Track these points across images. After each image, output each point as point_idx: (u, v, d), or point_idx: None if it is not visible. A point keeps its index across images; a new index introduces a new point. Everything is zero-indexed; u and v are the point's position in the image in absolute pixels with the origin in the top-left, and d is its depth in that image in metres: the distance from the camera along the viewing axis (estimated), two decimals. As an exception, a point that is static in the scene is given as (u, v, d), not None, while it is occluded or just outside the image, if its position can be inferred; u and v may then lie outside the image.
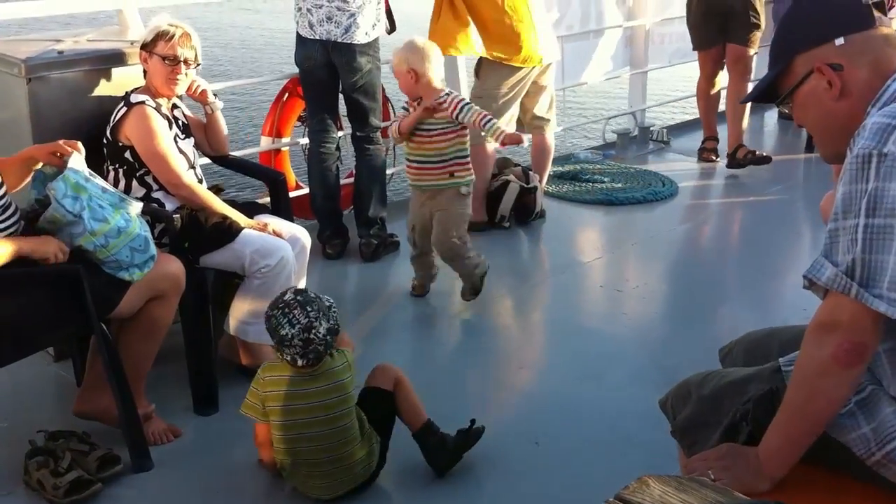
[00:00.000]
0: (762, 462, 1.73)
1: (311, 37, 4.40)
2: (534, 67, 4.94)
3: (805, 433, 1.71)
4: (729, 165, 6.14)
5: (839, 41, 1.76)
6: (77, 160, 2.89)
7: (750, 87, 6.02)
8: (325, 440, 2.70)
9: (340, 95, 4.64)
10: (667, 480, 1.42)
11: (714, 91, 6.26)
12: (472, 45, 4.90)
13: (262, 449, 2.84)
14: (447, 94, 3.92)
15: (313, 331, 2.64)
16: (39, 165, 2.95)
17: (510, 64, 4.89)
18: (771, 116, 7.74)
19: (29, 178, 2.98)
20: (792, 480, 1.72)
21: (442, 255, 4.03)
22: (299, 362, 2.67)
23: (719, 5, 5.89)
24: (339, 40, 4.36)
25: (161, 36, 3.33)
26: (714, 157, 6.36)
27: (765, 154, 6.07)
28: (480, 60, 5.04)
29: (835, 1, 1.82)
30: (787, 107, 1.88)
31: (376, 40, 4.50)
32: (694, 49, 6.23)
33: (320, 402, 2.70)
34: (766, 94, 1.92)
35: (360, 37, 4.38)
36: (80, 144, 2.91)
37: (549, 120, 5.26)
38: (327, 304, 2.72)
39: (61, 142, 2.88)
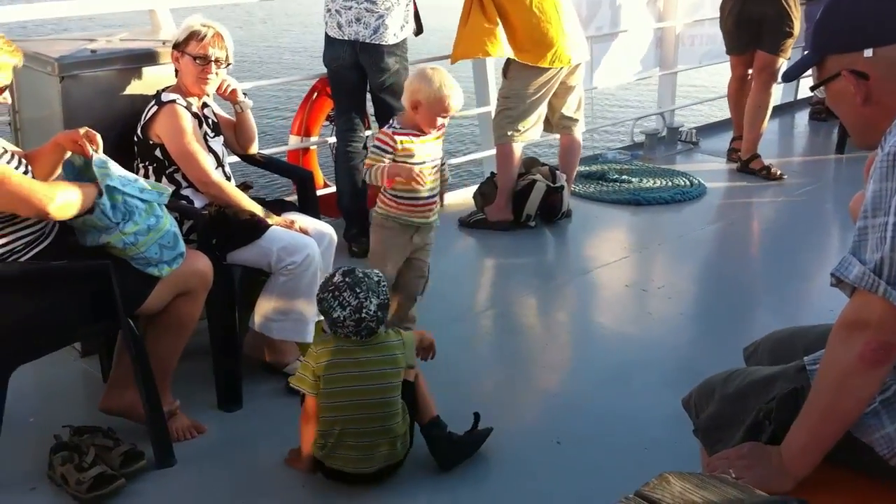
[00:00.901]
0: (785, 461, 1.71)
1: (340, 37, 4.42)
2: (562, 68, 4.93)
3: (829, 433, 1.69)
4: (740, 170, 6.13)
5: (867, 52, 1.75)
6: (98, 156, 2.90)
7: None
8: (375, 409, 2.76)
9: (368, 95, 4.66)
10: (687, 477, 1.41)
11: (744, 94, 6.19)
12: (501, 47, 4.91)
13: (307, 426, 2.84)
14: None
15: (364, 310, 2.73)
16: (68, 154, 2.97)
17: (538, 65, 4.89)
18: (802, 117, 7.68)
19: (59, 169, 3.00)
20: (814, 480, 1.71)
21: (421, 289, 3.77)
22: (353, 337, 2.77)
23: (754, 11, 5.83)
24: (368, 41, 4.38)
25: (193, 36, 3.36)
26: (778, 174, 6.13)
27: (779, 173, 6.01)
28: (508, 61, 5.04)
29: (872, 9, 1.79)
30: (822, 93, 1.88)
31: (404, 41, 4.52)
32: (727, 53, 6.21)
33: (374, 371, 2.77)
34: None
35: (389, 38, 4.40)
36: (98, 137, 2.92)
37: (577, 120, 5.25)
38: (376, 279, 2.79)
39: (82, 131, 2.89)
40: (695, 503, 1.35)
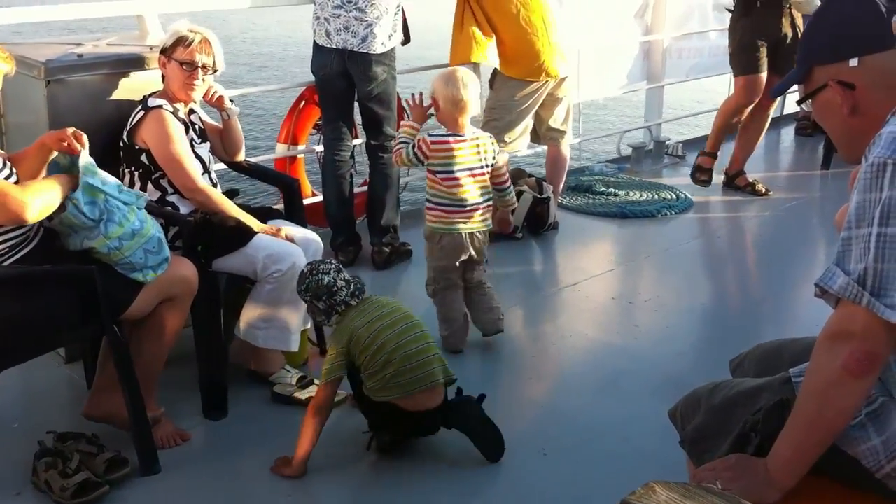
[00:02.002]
0: (771, 472, 1.71)
1: (328, 45, 4.42)
2: (548, 81, 4.94)
3: (815, 444, 1.69)
4: (726, 184, 6.09)
5: (853, 62, 1.76)
6: (84, 156, 2.88)
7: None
8: (410, 331, 2.95)
9: (356, 104, 4.65)
10: (673, 487, 1.41)
11: (742, 119, 5.94)
12: (495, 55, 4.92)
13: (313, 419, 2.93)
14: None
15: (341, 271, 3.03)
16: (54, 154, 2.95)
17: (525, 79, 4.90)
18: (788, 133, 7.73)
19: (44, 170, 2.98)
20: (801, 491, 1.71)
21: (494, 325, 3.86)
22: (352, 302, 2.98)
23: (772, 31, 5.60)
24: (356, 49, 4.37)
25: (180, 41, 3.35)
26: (705, 179, 6.00)
27: (765, 189, 6.02)
28: (495, 72, 5.05)
29: (857, 19, 1.80)
30: (809, 106, 1.89)
31: (392, 50, 4.52)
32: (739, 74, 5.75)
33: (397, 309, 3.01)
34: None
35: (377, 47, 4.39)
36: (85, 137, 2.90)
37: (564, 132, 5.26)
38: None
39: (70, 131, 2.87)
40: (681, 513, 1.35)
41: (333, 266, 3.03)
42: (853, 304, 1.61)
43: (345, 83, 4.52)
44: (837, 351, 1.64)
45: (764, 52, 5.62)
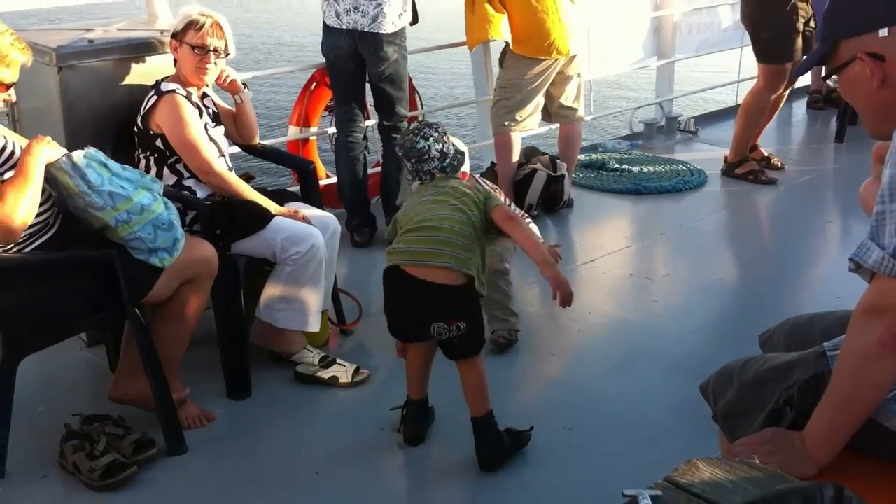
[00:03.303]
0: (808, 446, 1.71)
1: (338, 26, 4.40)
2: (559, 58, 4.91)
3: (851, 418, 1.69)
4: (724, 173, 5.87)
5: (883, 32, 1.73)
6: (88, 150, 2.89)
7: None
8: (436, 209, 2.84)
9: (367, 85, 4.64)
10: (716, 463, 1.41)
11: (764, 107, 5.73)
12: (508, 31, 4.90)
13: None
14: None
15: (443, 144, 2.92)
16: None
17: (535, 56, 4.88)
18: (800, 107, 7.68)
19: None
20: (836, 466, 1.70)
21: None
22: (426, 179, 2.93)
23: (802, 16, 5.45)
24: (366, 30, 4.36)
25: (191, 25, 3.34)
26: (766, 178, 5.77)
27: (781, 163, 5.95)
28: (505, 50, 5.03)
29: None
30: (835, 81, 1.87)
31: (403, 30, 4.50)
32: (776, 63, 5.50)
33: (433, 198, 2.89)
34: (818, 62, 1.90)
35: (387, 26, 4.38)
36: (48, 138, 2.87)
37: (576, 109, 5.24)
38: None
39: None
40: (725, 489, 1.34)
41: (436, 135, 2.92)
42: (889, 279, 1.60)
43: (355, 64, 4.50)
44: (873, 325, 1.63)
45: (800, 37, 5.46)
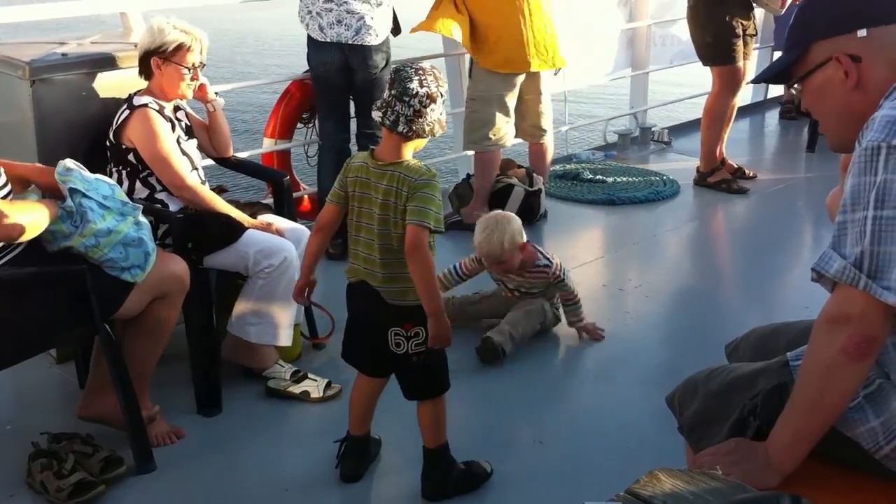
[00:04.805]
0: (771, 457, 1.72)
1: (324, 39, 4.43)
2: (524, 73, 4.90)
3: (815, 427, 1.70)
4: (697, 183, 5.91)
5: (861, 33, 1.74)
6: (68, 162, 2.87)
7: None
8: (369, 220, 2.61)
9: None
10: (677, 474, 1.41)
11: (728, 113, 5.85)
12: (462, 33, 4.86)
13: (316, 234, 2.82)
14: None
15: (436, 101, 2.50)
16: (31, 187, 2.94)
17: (495, 70, 4.87)
18: (772, 116, 7.75)
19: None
20: (801, 475, 1.71)
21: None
22: (400, 127, 2.49)
23: (745, 19, 5.58)
24: (351, 42, 4.40)
25: (181, 47, 3.34)
26: (737, 187, 5.84)
27: (752, 173, 6.01)
28: (473, 62, 5.04)
29: None
30: (797, 91, 1.87)
31: (388, 38, 4.57)
32: (721, 64, 5.62)
33: (379, 197, 2.57)
34: (779, 77, 1.91)
35: (372, 38, 4.44)
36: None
37: (545, 130, 5.23)
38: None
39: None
40: (686, 500, 1.35)
41: (433, 90, 2.50)
42: (850, 288, 1.61)
43: (344, 78, 4.54)
44: (836, 334, 1.64)
45: (741, 41, 5.59)
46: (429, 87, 2.50)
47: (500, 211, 3.90)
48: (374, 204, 2.59)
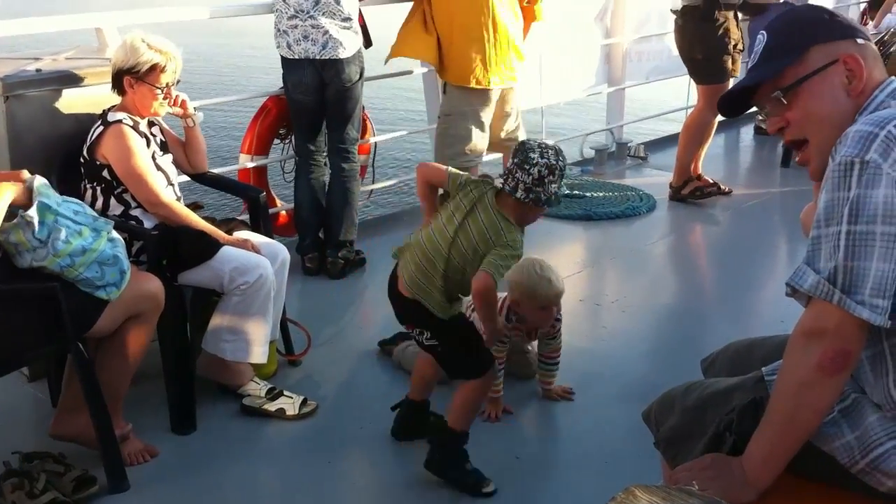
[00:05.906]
0: (747, 472, 1.72)
1: (293, 56, 4.41)
2: (494, 88, 4.89)
3: (790, 442, 1.70)
4: (672, 198, 5.94)
5: (860, 40, 1.78)
6: (39, 178, 2.84)
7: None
8: (431, 242, 2.81)
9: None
10: (654, 490, 1.40)
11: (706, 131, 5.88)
12: (433, 54, 4.85)
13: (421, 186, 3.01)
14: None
15: (553, 173, 2.67)
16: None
17: (461, 85, 4.87)
18: (747, 132, 7.80)
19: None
20: (777, 490, 1.71)
21: None
22: (519, 193, 2.68)
23: (735, 36, 5.59)
24: (320, 57, 4.37)
25: (154, 68, 3.31)
26: (713, 191, 5.96)
27: (727, 188, 6.02)
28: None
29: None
30: (765, 111, 1.87)
31: (360, 51, 4.53)
32: (712, 83, 5.58)
33: (458, 214, 2.79)
34: (748, 93, 1.90)
35: (340, 52, 4.40)
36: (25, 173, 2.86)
37: (516, 140, 5.23)
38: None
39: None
40: (662, 516, 1.34)
41: (552, 164, 2.66)
42: (825, 303, 1.62)
43: (318, 96, 4.52)
44: (811, 349, 1.64)
45: (730, 58, 5.60)
46: (548, 159, 2.67)
47: (529, 256, 3.40)
48: (460, 227, 2.78)
